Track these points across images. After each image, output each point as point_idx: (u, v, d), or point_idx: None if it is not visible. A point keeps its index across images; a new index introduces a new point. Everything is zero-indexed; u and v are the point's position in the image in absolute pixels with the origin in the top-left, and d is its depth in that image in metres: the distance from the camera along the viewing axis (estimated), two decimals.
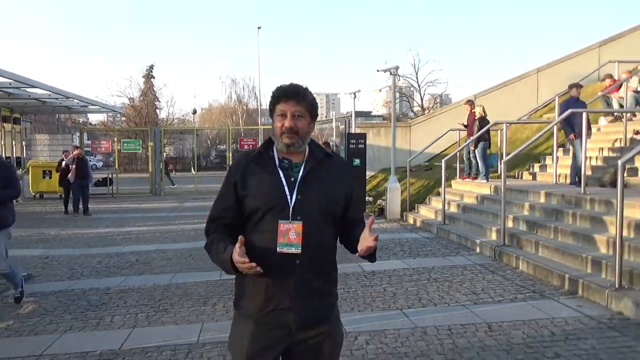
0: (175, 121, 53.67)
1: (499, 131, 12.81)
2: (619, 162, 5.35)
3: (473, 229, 9.73)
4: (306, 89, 2.27)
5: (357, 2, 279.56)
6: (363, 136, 14.93)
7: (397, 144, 15.35)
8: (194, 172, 27.48)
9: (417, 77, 48.12)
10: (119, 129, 39.69)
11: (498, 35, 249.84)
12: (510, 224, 8.73)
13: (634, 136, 10.63)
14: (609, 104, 13.00)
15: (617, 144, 10.98)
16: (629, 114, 11.44)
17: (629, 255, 6.08)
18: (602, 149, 11.11)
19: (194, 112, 57.95)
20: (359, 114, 25.19)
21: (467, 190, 12.23)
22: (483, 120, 12.27)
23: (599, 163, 10.62)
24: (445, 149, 17.41)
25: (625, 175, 9.10)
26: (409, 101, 51.31)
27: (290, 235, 2.15)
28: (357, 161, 14.28)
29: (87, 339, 5.04)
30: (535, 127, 14.61)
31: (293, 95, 2.22)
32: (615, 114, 12.90)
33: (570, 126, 9.63)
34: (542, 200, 9.07)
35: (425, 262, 8.02)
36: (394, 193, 13.33)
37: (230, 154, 23.47)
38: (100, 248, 9.69)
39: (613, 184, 8.76)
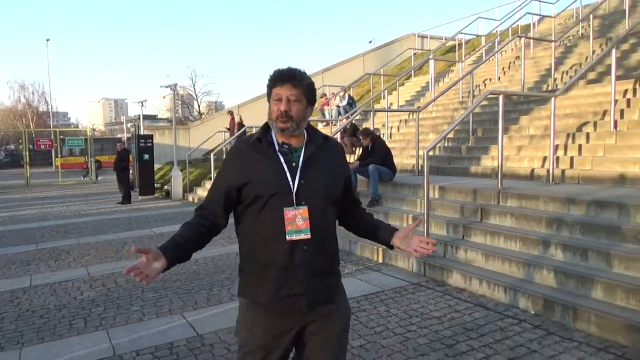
0: None
1: (253, 131, 14.69)
2: (425, 151, 5.29)
3: None
4: (303, 72, 1.86)
5: (141, 23, 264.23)
6: (151, 136, 15.59)
7: (179, 142, 16.30)
8: None
9: (194, 88, 49.03)
10: None
11: (258, 60, 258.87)
12: None
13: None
14: (324, 114, 15.80)
15: None
16: (334, 121, 14.22)
17: None
18: None
19: None
20: (146, 117, 25.11)
21: None
22: (241, 125, 14.09)
23: None
24: (217, 146, 18.60)
25: None
26: (188, 107, 51.86)
27: (297, 222, 1.80)
28: (146, 156, 14.93)
29: None
30: None
31: (289, 79, 1.81)
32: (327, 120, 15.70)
33: None
34: None
35: None
36: (177, 180, 14.32)
37: (28, 153, 21.72)
38: None
39: None
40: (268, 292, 1.82)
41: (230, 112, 15.58)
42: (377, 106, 14.69)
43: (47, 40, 46.76)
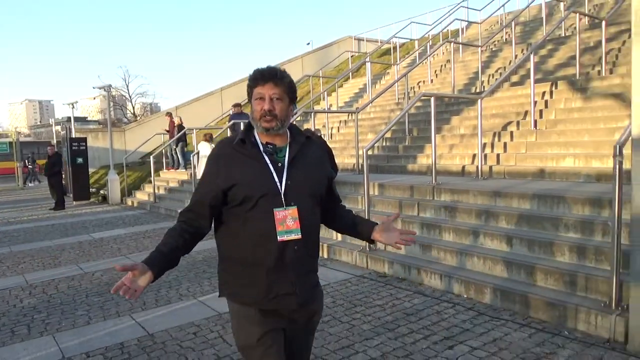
0: None
1: (193, 134, 14.52)
2: (364, 150, 5.71)
3: (175, 203, 11.23)
4: (283, 71, 1.84)
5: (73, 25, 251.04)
6: (84, 140, 15.04)
7: (114, 145, 15.81)
8: None
9: (128, 89, 47.24)
10: None
11: (198, 63, 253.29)
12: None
13: None
14: None
15: None
16: None
17: None
18: None
19: None
20: (76, 120, 23.96)
21: (172, 177, 13.51)
22: (180, 127, 13.88)
23: None
24: (155, 148, 18.11)
25: None
26: (122, 109, 49.88)
27: (288, 222, 1.79)
28: (80, 160, 14.41)
29: None
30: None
31: (270, 78, 1.79)
32: None
33: (235, 130, 11.93)
34: None
35: (141, 228, 9.30)
36: (113, 183, 13.91)
37: None
38: None
39: None
40: (258, 292, 1.82)
41: (169, 114, 15.31)
42: (317, 107, 14.96)
43: None
